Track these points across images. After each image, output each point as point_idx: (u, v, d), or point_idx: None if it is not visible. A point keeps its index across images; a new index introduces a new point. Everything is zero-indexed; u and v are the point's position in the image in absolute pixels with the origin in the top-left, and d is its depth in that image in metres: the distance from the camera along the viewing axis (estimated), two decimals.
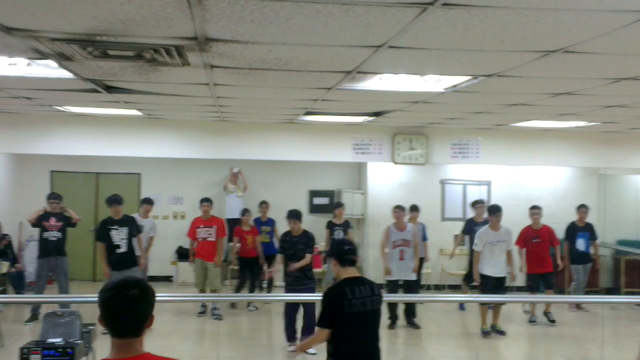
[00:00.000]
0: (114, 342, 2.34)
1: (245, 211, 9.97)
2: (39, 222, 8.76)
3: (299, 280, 7.79)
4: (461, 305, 10.21)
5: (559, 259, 9.52)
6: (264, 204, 10.43)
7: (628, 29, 3.26)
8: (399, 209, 8.91)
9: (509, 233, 8.68)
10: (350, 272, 4.35)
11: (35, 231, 9.12)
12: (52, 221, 8.72)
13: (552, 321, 9.46)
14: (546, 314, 9.59)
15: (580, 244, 9.99)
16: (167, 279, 11.54)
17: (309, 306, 7.92)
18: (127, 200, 9.87)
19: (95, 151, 9.91)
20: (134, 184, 12.09)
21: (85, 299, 7.74)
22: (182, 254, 11.53)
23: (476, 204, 10.13)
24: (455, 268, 11.86)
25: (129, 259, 8.38)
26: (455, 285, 11.82)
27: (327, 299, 4.31)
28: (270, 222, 10.36)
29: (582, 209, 10.15)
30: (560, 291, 11.43)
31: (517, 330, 8.95)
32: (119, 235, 8.38)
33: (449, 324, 9.49)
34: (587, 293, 10.55)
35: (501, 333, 8.68)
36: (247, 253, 9.85)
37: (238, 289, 10.08)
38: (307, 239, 8.01)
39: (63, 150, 9.88)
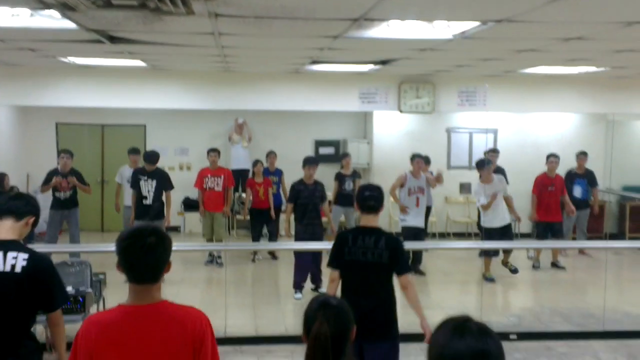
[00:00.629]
0: (132, 288, 2.40)
1: (257, 162, 9.93)
2: (50, 182, 8.80)
3: (313, 227, 7.90)
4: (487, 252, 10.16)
5: (568, 207, 9.51)
6: (272, 154, 10.40)
7: None
8: (420, 158, 8.88)
9: (502, 181, 8.72)
10: (366, 219, 4.33)
11: (41, 182, 9.14)
12: (64, 182, 8.77)
13: (562, 268, 9.58)
14: (554, 263, 9.69)
15: (577, 191, 9.99)
16: (175, 229, 11.67)
17: (317, 255, 8.06)
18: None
19: (100, 103, 9.88)
20: (139, 135, 12.09)
21: (95, 249, 7.90)
22: (189, 205, 11.63)
23: (491, 152, 10.09)
24: (460, 216, 11.95)
25: (154, 212, 8.50)
26: (459, 232, 11.94)
27: (336, 240, 4.43)
28: (278, 173, 10.34)
29: (581, 156, 10.12)
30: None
31: (521, 276, 9.06)
32: (146, 187, 8.52)
33: (453, 271, 9.62)
34: (591, 239, 10.62)
35: (514, 271, 8.75)
36: (259, 204, 9.85)
37: (255, 239, 10.14)
38: (321, 188, 8.12)
39: (68, 102, 9.85)
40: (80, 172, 9.02)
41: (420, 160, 8.85)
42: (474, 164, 11.49)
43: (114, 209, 9.87)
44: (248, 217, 10.42)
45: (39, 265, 3.26)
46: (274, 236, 10.07)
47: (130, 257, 2.37)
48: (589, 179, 10.07)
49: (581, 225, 10.09)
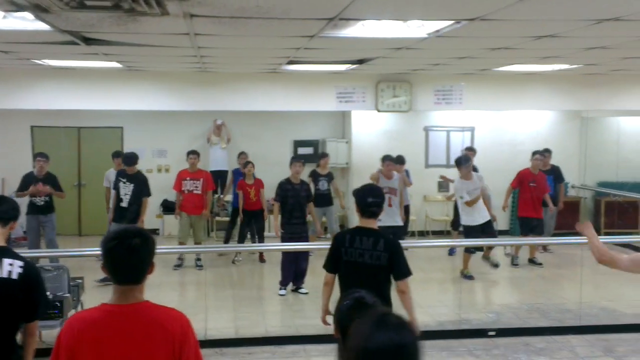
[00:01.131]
0: (116, 289, 2.46)
1: (247, 163, 9.86)
2: (26, 186, 8.68)
3: (300, 228, 7.93)
4: (451, 251, 10.35)
5: (550, 205, 9.61)
6: (243, 155, 10.43)
7: None
8: (390, 160, 8.96)
9: (481, 179, 8.82)
10: (365, 222, 4.31)
11: (16, 186, 9.03)
12: (39, 186, 8.66)
13: (540, 264, 9.70)
14: (531, 260, 9.80)
15: None
16: (154, 232, 11.59)
17: (303, 254, 8.08)
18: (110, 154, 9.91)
19: (76, 105, 9.79)
20: (116, 137, 11.99)
21: (72, 253, 7.82)
22: (168, 207, 11.56)
23: (467, 150, 10.20)
24: (439, 214, 12.04)
25: (130, 215, 8.45)
26: (438, 231, 12.02)
27: (332, 242, 4.43)
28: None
29: (546, 153, 10.18)
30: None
31: (499, 273, 9.16)
32: (124, 190, 8.50)
33: (432, 269, 9.69)
34: (568, 235, 10.75)
35: (496, 265, 8.86)
36: (250, 206, 9.82)
37: (240, 240, 10.10)
38: (307, 187, 8.18)
39: (43, 105, 9.74)
40: (56, 175, 8.92)
41: (390, 163, 8.94)
42: (452, 162, 11.64)
43: (106, 212, 9.76)
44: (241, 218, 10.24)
45: (32, 273, 3.31)
46: (262, 238, 10.04)
47: (114, 258, 2.42)
48: (555, 175, 10.18)
49: (548, 221, 10.18)
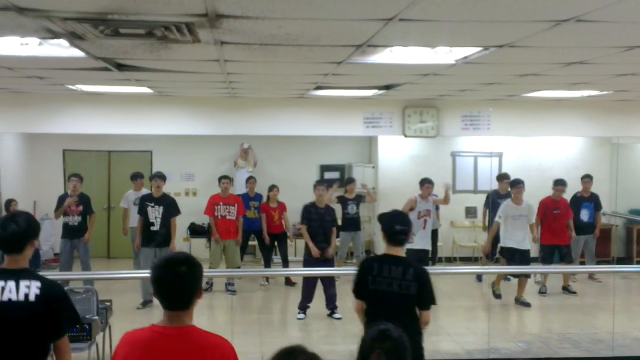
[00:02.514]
0: (165, 313, 2.55)
1: (272, 187, 9.97)
2: (60, 206, 8.87)
3: (322, 250, 7.91)
4: (479, 277, 10.24)
5: (572, 232, 9.52)
6: (251, 179, 10.48)
7: None
8: (430, 183, 8.93)
9: (530, 207, 8.75)
10: (393, 249, 4.22)
11: (49, 209, 9.23)
12: (73, 206, 8.82)
13: (574, 293, 9.53)
14: (565, 288, 9.63)
15: (584, 215, 9.99)
16: None
17: (329, 279, 8.05)
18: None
19: (107, 129, 9.96)
20: (145, 161, 12.17)
21: (102, 276, 7.91)
22: (195, 230, 11.64)
23: (503, 178, 10.11)
24: (466, 240, 11.91)
25: (160, 238, 8.49)
26: (466, 257, 11.89)
27: (358, 269, 4.35)
28: (258, 198, 10.36)
29: (586, 179, 10.13)
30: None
31: (530, 301, 9.00)
32: (153, 213, 8.53)
33: (460, 296, 9.56)
34: (599, 263, 10.56)
35: (526, 305, 8.78)
36: (273, 229, 9.90)
37: (268, 264, 10.13)
38: (332, 212, 8.18)
39: (75, 129, 9.94)
40: (89, 196, 9.07)
41: (430, 186, 8.93)
42: (479, 187, 11.57)
43: (122, 233, 9.91)
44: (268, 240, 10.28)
45: (53, 292, 3.23)
46: (286, 262, 10.05)
47: (162, 285, 2.51)
48: (595, 202, 10.05)
49: (589, 249, 10.05)
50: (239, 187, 11.51)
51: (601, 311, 8.50)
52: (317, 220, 8.00)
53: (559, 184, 9.45)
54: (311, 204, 8.16)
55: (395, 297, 4.11)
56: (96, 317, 5.91)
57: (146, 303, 8.54)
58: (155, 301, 8.79)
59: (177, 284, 2.48)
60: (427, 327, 4.24)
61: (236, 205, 9.41)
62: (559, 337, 7.50)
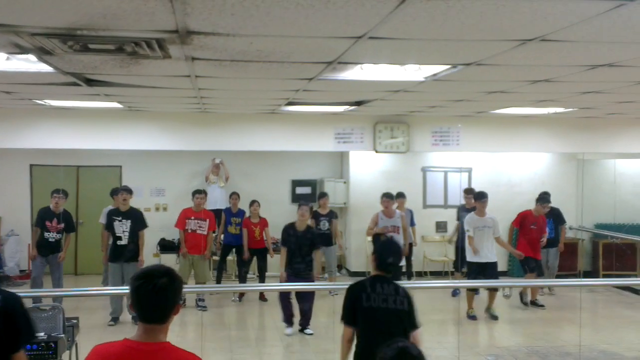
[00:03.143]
0: (140, 327, 2.52)
1: (253, 202, 9.93)
2: (42, 221, 8.71)
3: (305, 271, 7.86)
4: (454, 292, 10.28)
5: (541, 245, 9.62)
6: (234, 195, 10.41)
7: (602, 17, 3.34)
8: (387, 197, 9.02)
9: (494, 220, 8.83)
10: (381, 272, 4.29)
11: (15, 224, 9.06)
12: (54, 222, 8.67)
13: (542, 306, 9.63)
14: (534, 302, 9.73)
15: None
16: None
17: (307, 294, 7.98)
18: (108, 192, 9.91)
19: (75, 144, 9.84)
20: (115, 176, 12.02)
21: (68, 293, 7.76)
22: (165, 246, 11.51)
23: (468, 193, 10.22)
24: (437, 255, 12.00)
25: (129, 253, 8.38)
26: (436, 271, 11.97)
27: (347, 292, 4.27)
28: (241, 214, 10.31)
29: (545, 196, 10.22)
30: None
31: (499, 315, 9.09)
32: (121, 227, 8.42)
33: (432, 310, 9.60)
34: (565, 277, 10.72)
35: (494, 318, 8.85)
36: (254, 244, 9.86)
37: (242, 280, 10.06)
38: (312, 234, 8.08)
39: (43, 144, 9.80)
40: (71, 214, 8.92)
41: (387, 200, 8.97)
42: (449, 202, 11.70)
43: (101, 249, 9.77)
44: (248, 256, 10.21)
45: (10, 303, 3.22)
46: (262, 278, 10.00)
47: (140, 297, 2.48)
48: (554, 216, 10.20)
49: (552, 262, 10.17)
50: (212, 202, 11.44)
51: (568, 324, 8.62)
52: (294, 243, 7.95)
53: (545, 201, 9.53)
54: (290, 226, 8.09)
55: (392, 313, 4.12)
56: (62, 335, 5.79)
57: (115, 320, 8.42)
58: (124, 319, 8.64)
59: (157, 296, 2.46)
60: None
61: (208, 220, 9.34)
62: (527, 350, 7.59)
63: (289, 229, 8.04)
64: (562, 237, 10.32)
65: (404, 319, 4.15)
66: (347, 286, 4.39)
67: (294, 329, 8.01)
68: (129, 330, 8.18)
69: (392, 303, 4.13)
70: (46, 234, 8.69)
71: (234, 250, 10.29)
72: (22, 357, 3.26)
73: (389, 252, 4.34)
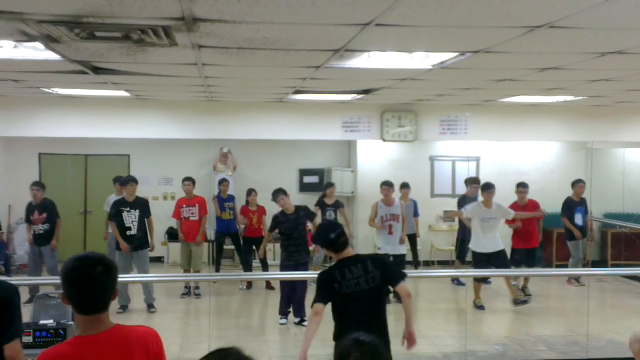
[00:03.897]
0: (81, 319, 2.35)
1: (251, 191, 9.96)
2: (28, 216, 8.88)
3: (298, 254, 7.87)
4: (458, 281, 10.25)
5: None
6: (224, 181, 10.37)
7: (610, 3, 3.30)
8: (386, 185, 9.02)
9: (500, 207, 8.72)
10: (344, 253, 4.33)
11: (24, 213, 9.15)
12: (36, 214, 8.75)
13: (529, 295, 9.55)
14: (524, 288, 9.68)
15: (579, 219, 10.02)
16: (158, 259, 11.58)
17: (301, 283, 8.02)
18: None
19: (83, 133, 9.87)
20: (123, 165, 12.06)
21: None
22: (173, 235, 11.55)
23: (472, 182, 10.13)
24: (444, 244, 11.99)
25: (137, 241, 8.45)
26: (444, 260, 11.97)
27: (319, 282, 4.37)
28: (231, 199, 10.33)
29: (580, 183, 10.15)
30: (549, 265, 11.62)
31: (505, 305, 9.08)
32: (130, 218, 8.47)
33: (438, 299, 9.62)
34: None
35: (528, 295, 8.93)
36: (252, 233, 9.88)
37: (249, 269, 10.08)
38: (304, 212, 8.11)
39: (51, 133, 9.84)
40: (53, 201, 8.96)
41: (386, 188, 8.97)
42: (457, 191, 11.65)
43: (102, 237, 9.85)
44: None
45: (6, 291, 3.21)
46: (265, 265, 10.03)
47: (77, 290, 2.31)
48: (585, 206, 10.13)
49: (574, 253, 10.14)
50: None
51: (576, 314, 8.60)
52: (288, 228, 7.90)
53: (520, 186, 9.44)
54: (280, 213, 8.07)
55: (365, 295, 4.23)
56: (71, 322, 5.84)
57: (124, 307, 8.48)
58: (133, 305, 8.69)
59: (94, 286, 2.29)
60: (409, 299, 4.33)
61: (197, 205, 9.38)
62: (535, 339, 7.57)
63: (280, 217, 8.02)
64: (590, 227, 10.27)
65: (378, 296, 4.29)
66: None
67: (288, 319, 8.06)
68: (136, 317, 8.30)
69: (365, 283, 4.22)
70: (33, 227, 8.80)
71: (230, 239, 10.28)
72: (13, 350, 3.13)
73: (326, 231, 4.42)
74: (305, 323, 7.96)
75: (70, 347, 2.36)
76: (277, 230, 8.17)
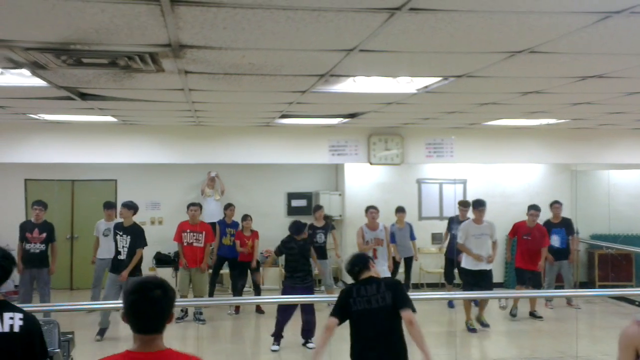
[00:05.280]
0: (137, 337, 2.54)
1: (246, 217, 9.97)
2: (23, 233, 8.71)
3: (303, 278, 7.87)
4: (450, 303, 10.27)
5: (543, 260, 9.58)
6: (231, 206, 10.42)
7: (589, 29, 3.38)
8: (374, 209, 9.06)
9: (492, 225, 8.82)
10: (362, 276, 4.68)
11: (10, 239, 9.06)
12: (35, 233, 8.66)
13: (540, 317, 9.61)
14: (532, 313, 9.71)
15: (555, 241, 10.07)
16: None
17: (310, 306, 7.97)
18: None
19: (70, 158, 9.84)
20: (110, 190, 12.02)
21: (64, 308, 7.73)
22: (161, 260, 11.50)
23: (462, 205, 10.23)
24: (433, 266, 12.00)
25: (123, 267, 8.29)
26: (433, 283, 11.96)
27: (339, 295, 4.75)
28: (235, 225, 10.33)
29: (556, 205, 10.28)
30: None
31: (496, 326, 9.09)
32: (121, 242, 8.42)
33: (427, 322, 9.58)
34: (560, 287, 10.72)
35: (486, 326, 8.83)
36: (244, 257, 9.88)
37: (239, 293, 10.05)
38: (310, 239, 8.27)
39: (37, 159, 9.80)
40: (52, 224, 8.91)
41: (374, 211, 9.03)
42: (445, 214, 11.71)
43: (90, 261, 9.81)
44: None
45: (33, 325, 3.29)
46: (258, 289, 10.00)
47: (136, 310, 2.52)
48: (567, 227, 10.17)
49: (566, 274, 10.16)
50: (208, 216, 11.44)
51: (566, 335, 8.62)
52: (297, 254, 7.99)
53: (531, 208, 9.54)
54: (289, 239, 8.07)
55: (376, 313, 4.46)
56: (58, 350, 5.76)
57: (103, 331, 8.35)
58: (118, 332, 8.59)
59: (152, 308, 2.50)
60: (414, 328, 4.44)
61: (204, 232, 9.35)
62: None
63: (290, 242, 8.03)
64: (573, 248, 10.26)
65: (389, 315, 4.49)
66: None
67: (280, 346, 7.99)
68: (122, 346, 8.12)
69: (375, 302, 4.49)
70: (28, 246, 8.65)
71: (226, 263, 10.26)
72: None
73: (352, 264, 4.80)
74: (310, 345, 7.91)
75: (125, 359, 2.52)
76: (265, 254, 8.16)
